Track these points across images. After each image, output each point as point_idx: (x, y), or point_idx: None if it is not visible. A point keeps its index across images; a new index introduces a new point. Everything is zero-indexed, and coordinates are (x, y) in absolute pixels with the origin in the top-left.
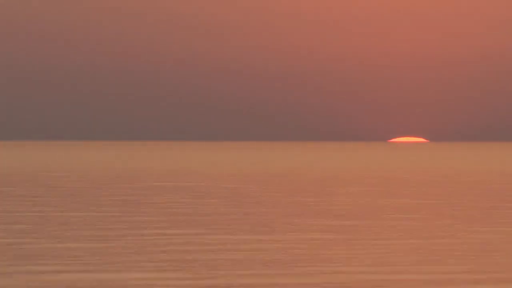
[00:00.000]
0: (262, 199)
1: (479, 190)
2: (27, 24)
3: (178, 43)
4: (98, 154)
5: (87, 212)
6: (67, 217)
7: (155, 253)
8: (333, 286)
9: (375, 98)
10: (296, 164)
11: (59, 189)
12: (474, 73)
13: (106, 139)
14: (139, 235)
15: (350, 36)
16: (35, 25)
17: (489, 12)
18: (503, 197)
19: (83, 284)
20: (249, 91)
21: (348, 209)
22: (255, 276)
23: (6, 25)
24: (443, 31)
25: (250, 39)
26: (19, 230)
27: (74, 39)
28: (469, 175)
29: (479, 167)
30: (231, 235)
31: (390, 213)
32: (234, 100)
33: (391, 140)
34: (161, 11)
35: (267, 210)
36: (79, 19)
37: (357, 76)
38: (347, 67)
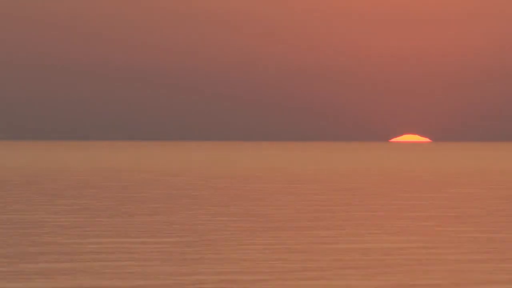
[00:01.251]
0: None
1: None
2: (29, 24)
3: (185, 39)
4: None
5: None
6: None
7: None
8: None
9: (377, 98)
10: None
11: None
12: (480, 72)
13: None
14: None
15: (352, 35)
16: (40, 25)
17: (498, 11)
18: None
19: None
20: (248, 91)
21: None
22: None
23: (6, 24)
24: (448, 30)
25: (248, 38)
26: None
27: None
28: None
29: None
30: None
31: None
32: (236, 100)
33: (391, 140)
34: (167, 10)
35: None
36: (88, 18)
37: (358, 75)
38: (348, 66)
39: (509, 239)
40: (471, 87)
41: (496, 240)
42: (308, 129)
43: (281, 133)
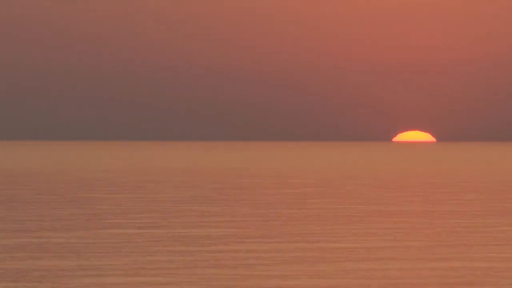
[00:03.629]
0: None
1: None
2: (28, 23)
3: (174, 44)
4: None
5: None
6: None
7: None
8: None
9: (380, 97)
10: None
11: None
12: (485, 73)
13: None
14: None
15: (354, 34)
16: (38, 24)
17: (505, 12)
18: None
19: None
20: (249, 92)
21: None
22: None
23: (6, 25)
24: (454, 31)
25: (250, 39)
26: None
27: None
28: None
29: None
30: None
31: None
32: (236, 100)
33: (393, 140)
34: (167, 11)
35: None
36: (84, 20)
37: (361, 74)
38: (350, 65)
39: None
40: (478, 87)
41: None
42: (306, 129)
43: (279, 133)
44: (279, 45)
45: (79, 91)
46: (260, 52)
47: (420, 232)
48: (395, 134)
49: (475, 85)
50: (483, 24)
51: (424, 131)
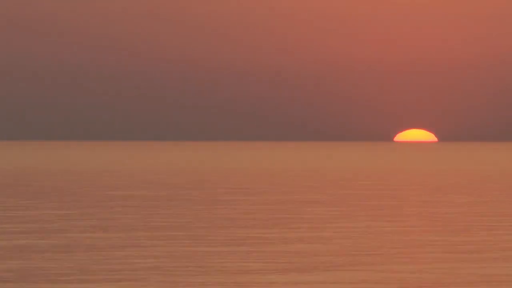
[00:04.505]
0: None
1: None
2: (26, 24)
3: (178, 43)
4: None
5: None
6: None
7: None
8: None
9: (380, 97)
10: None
11: None
12: (486, 73)
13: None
14: None
15: (354, 34)
16: (34, 25)
17: (505, 12)
18: None
19: None
20: (251, 91)
21: None
22: None
23: (6, 25)
24: (455, 30)
25: (249, 39)
26: None
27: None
28: None
29: None
30: None
31: None
32: (237, 100)
33: (395, 139)
34: (167, 11)
35: None
36: (85, 20)
37: (361, 74)
38: (350, 64)
39: None
40: (482, 87)
41: None
42: (306, 129)
43: (279, 133)
44: (279, 45)
45: (78, 91)
46: (260, 52)
47: None
48: (395, 134)
49: (475, 85)
50: (483, 24)
51: (426, 130)
